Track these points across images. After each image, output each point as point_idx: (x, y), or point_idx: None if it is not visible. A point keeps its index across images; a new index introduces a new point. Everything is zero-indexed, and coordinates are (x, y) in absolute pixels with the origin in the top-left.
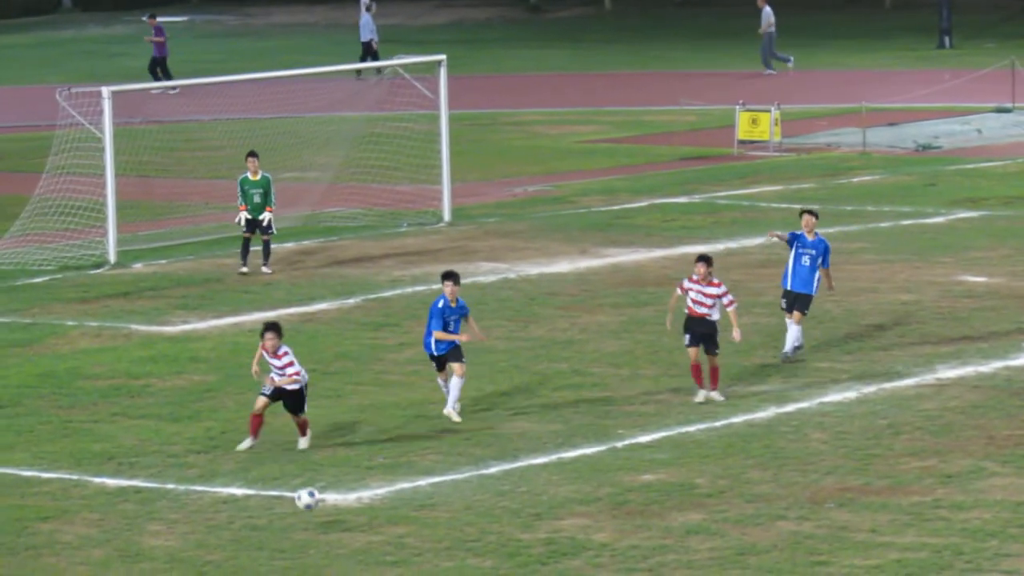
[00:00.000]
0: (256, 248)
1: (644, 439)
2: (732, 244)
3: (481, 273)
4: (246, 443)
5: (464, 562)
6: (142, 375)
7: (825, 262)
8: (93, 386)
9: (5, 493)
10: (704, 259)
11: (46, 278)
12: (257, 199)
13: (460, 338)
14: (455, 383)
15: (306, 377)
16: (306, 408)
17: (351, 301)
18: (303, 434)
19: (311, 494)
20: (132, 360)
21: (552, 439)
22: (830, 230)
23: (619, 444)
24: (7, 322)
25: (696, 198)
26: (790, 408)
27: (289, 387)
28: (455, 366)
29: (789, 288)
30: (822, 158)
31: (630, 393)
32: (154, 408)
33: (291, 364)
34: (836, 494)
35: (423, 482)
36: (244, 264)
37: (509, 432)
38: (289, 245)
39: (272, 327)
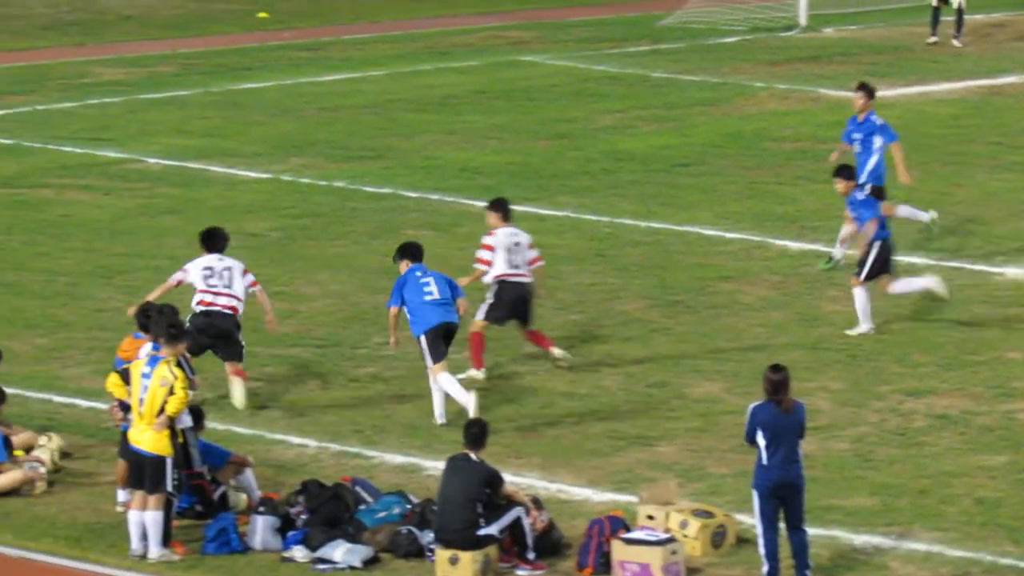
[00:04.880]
0: (948, 19)
1: None
2: None
3: None
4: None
5: None
6: (828, 139)
7: None
8: (779, 148)
9: (689, 251)
10: None
11: (737, 39)
12: None
13: None
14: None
15: None
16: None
17: None
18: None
19: None
20: (819, 124)
21: None
22: None
23: None
24: (697, 80)
25: None
26: None
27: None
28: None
29: None
30: None
31: None
32: None
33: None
34: None
35: None
36: (934, 34)
37: None
38: (979, 17)
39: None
